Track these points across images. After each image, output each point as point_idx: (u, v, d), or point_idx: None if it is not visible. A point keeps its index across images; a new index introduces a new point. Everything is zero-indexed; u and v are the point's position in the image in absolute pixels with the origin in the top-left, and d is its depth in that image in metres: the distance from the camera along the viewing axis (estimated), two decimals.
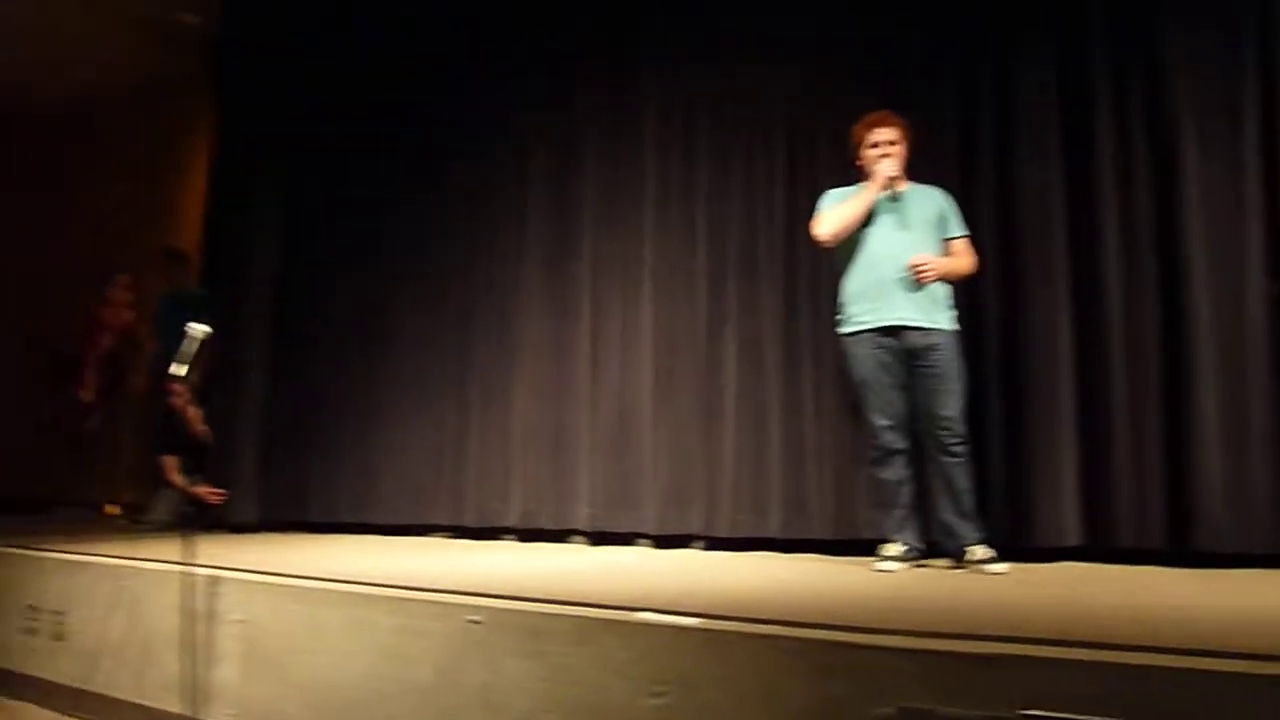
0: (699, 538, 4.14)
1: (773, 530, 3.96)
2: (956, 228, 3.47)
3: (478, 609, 2.47)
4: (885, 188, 3.39)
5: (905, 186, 3.45)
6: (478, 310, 5.01)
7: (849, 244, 3.45)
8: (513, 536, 4.69)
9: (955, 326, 3.38)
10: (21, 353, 7.91)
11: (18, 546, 4.00)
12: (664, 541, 4.22)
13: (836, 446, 3.92)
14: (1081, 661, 1.62)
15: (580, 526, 4.47)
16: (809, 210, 4.01)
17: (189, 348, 3.11)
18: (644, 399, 4.39)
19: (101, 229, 7.06)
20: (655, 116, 4.56)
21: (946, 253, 3.43)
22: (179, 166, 7.33)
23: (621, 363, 4.50)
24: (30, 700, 3.61)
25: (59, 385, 7.11)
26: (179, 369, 3.12)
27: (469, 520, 4.78)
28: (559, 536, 4.55)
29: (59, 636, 3.59)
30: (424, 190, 5.28)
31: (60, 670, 3.55)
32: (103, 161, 7.64)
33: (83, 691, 3.38)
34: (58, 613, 3.62)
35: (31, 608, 3.72)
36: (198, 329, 3.15)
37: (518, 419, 4.75)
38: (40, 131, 8.41)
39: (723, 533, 4.06)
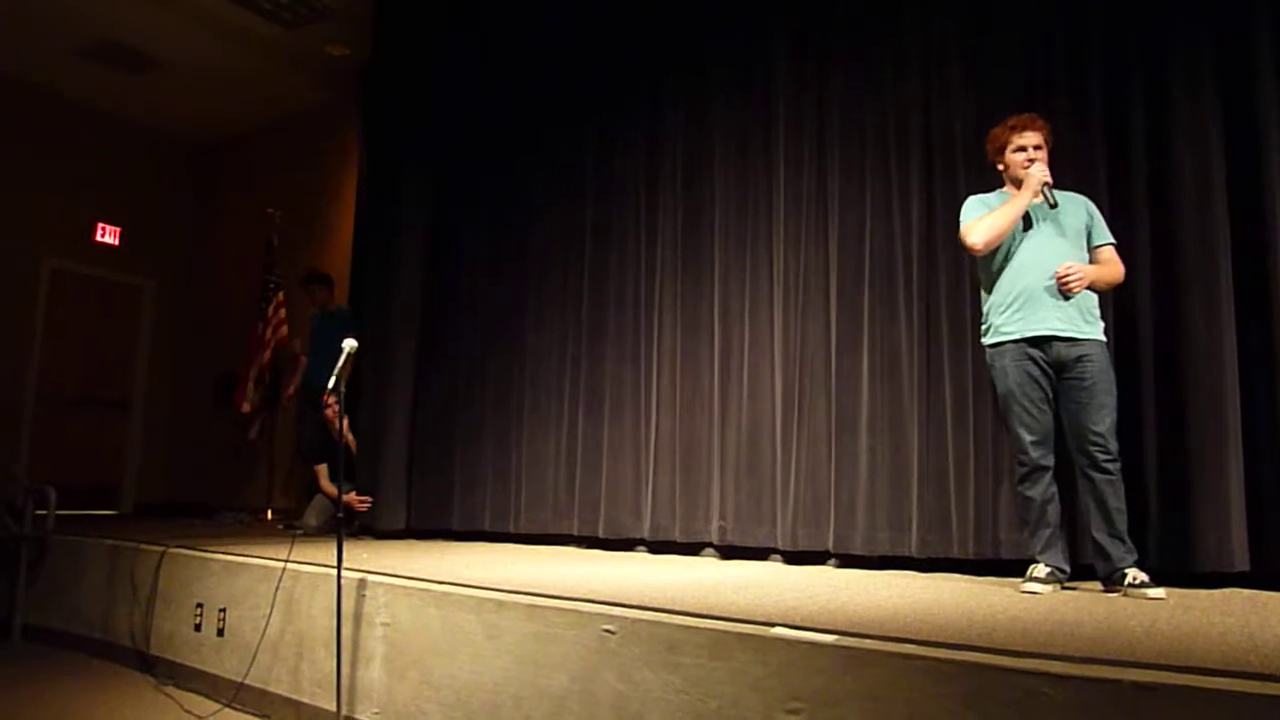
0: (832, 554, 4.06)
1: (910, 549, 3.85)
2: (1103, 235, 3.33)
3: (612, 619, 2.50)
4: (1039, 194, 3.27)
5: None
6: (610, 324, 5.08)
7: (994, 252, 3.34)
8: (644, 549, 4.72)
9: (1104, 337, 3.23)
10: (187, 370, 8.53)
11: (188, 548, 4.29)
12: (796, 558, 4.16)
13: (978, 463, 3.78)
14: (1251, 695, 1.51)
15: (711, 540, 4.46)
16: (946, 220, 3.94)
17: (341, 362, 3.27)
18: (776, 412, 4.35)
19: (259, 252, 7.52)
20: (786, 127, 4.52)
21: (1093, 261, 3.29)
22: (331, 191, 7.77)
23: (753, 376, 4.47)
24: (197, 691, 3.87)
25: (224, 400, 7.63)
26: (331, 382, 3.29)
27: (602, 532, 4.84)
28: (690, 550, 4.55)
29: (223, 632, 3.83)
30: (558, 209, 5.41)
31: (223, 664, 3.78)
32: (260, 187, 8.16)
33: (243, 685, 3.59)
34: (221, 610, 3.86)
35: (199, 605, 3.98)
36: (350, 343, 3.32)
37: (650, 432, 4.79)
38: (206, 158, 9.08)
39: (857, 550, 3.97)
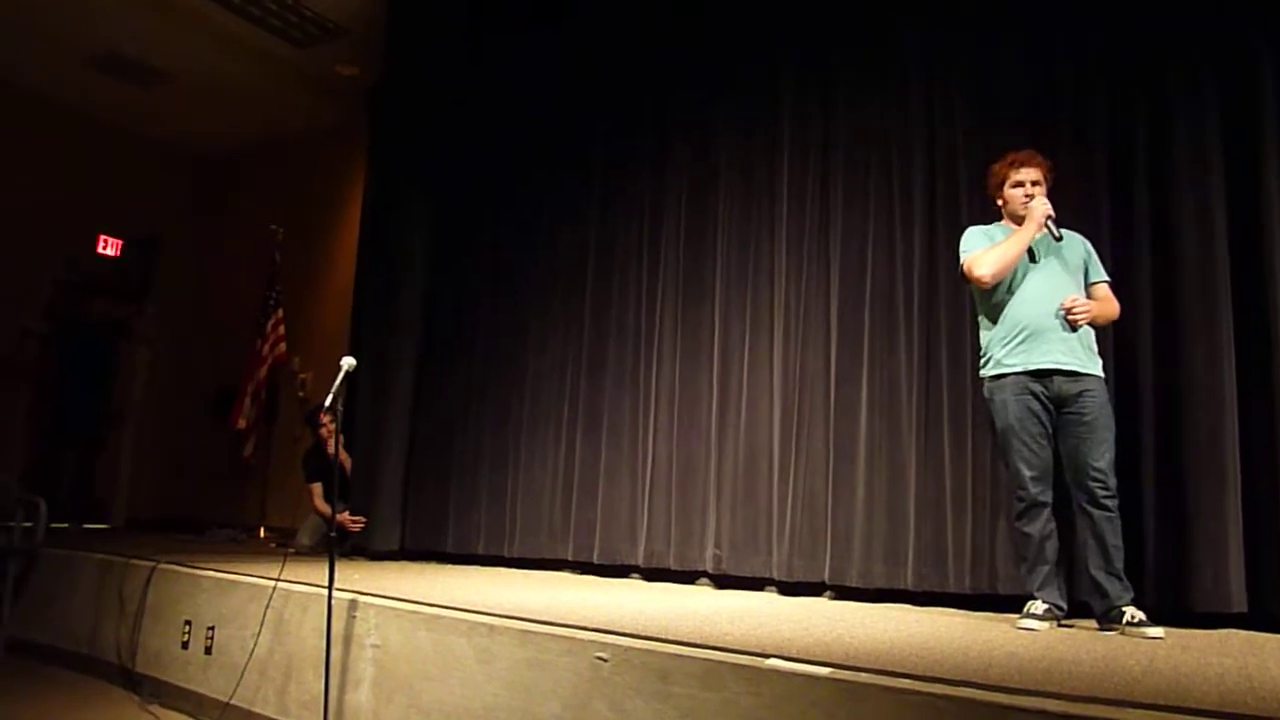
0: (828, 586, 4.04)
1: (906, 582, 3.82)
2: (1099, 272, 3.36)
3: (605, 646, 2.47)
4: (1043, 227, 3.27)
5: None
6: (610, 350, 5.08)
7: (996, 285, 3.34)
8: (638, 576, 4.69)
9: (1103, 373, 3.24)
10: (184, 385, 8.51)
11: (179, 564, 4.26)
12: (791, 588, 4.13)
13: (975, 496, 3.77)
14: None
15: (706, 569, 4.44)
16: (948, 253, 3.94)
17: (339, 381, 3.26)
18: (774, 442, 4.34)
19: (261, 268, 7.53)
20: (790, 158, 4.55)
21: (1090, 298, 3.30)
22: (335, 210, 7.79)
23: (751, 405, 4.46)
24: (182, 710, 3.82)
25: (220, 415, 7.61)
26: (328, 400, 3.27)
27: (597, 558, 4.81)
28: (685, 578, 4.52)
29: (210, 650, 3.79)
30: (560, 233, 5.42)
31: (209, 683, 3.74)
32: (264, 203, 8.19)
33: (229, 705, 3.54)
34: (210, 628, 3.82)
35: (187, 622, 3.94)
36: (347, 361, 3.31)
37: (647, 459, 4.77)
38: (210, 173, 9.11)
39: (853, 582, 3.94)
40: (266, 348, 7.33)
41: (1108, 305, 3.33)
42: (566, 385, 5.22)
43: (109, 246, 8.34)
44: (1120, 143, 3.67)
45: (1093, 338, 3.26)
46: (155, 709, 3.87)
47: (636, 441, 4.85)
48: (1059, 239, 3.27)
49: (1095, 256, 3.38)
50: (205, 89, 7.65)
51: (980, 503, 3.75)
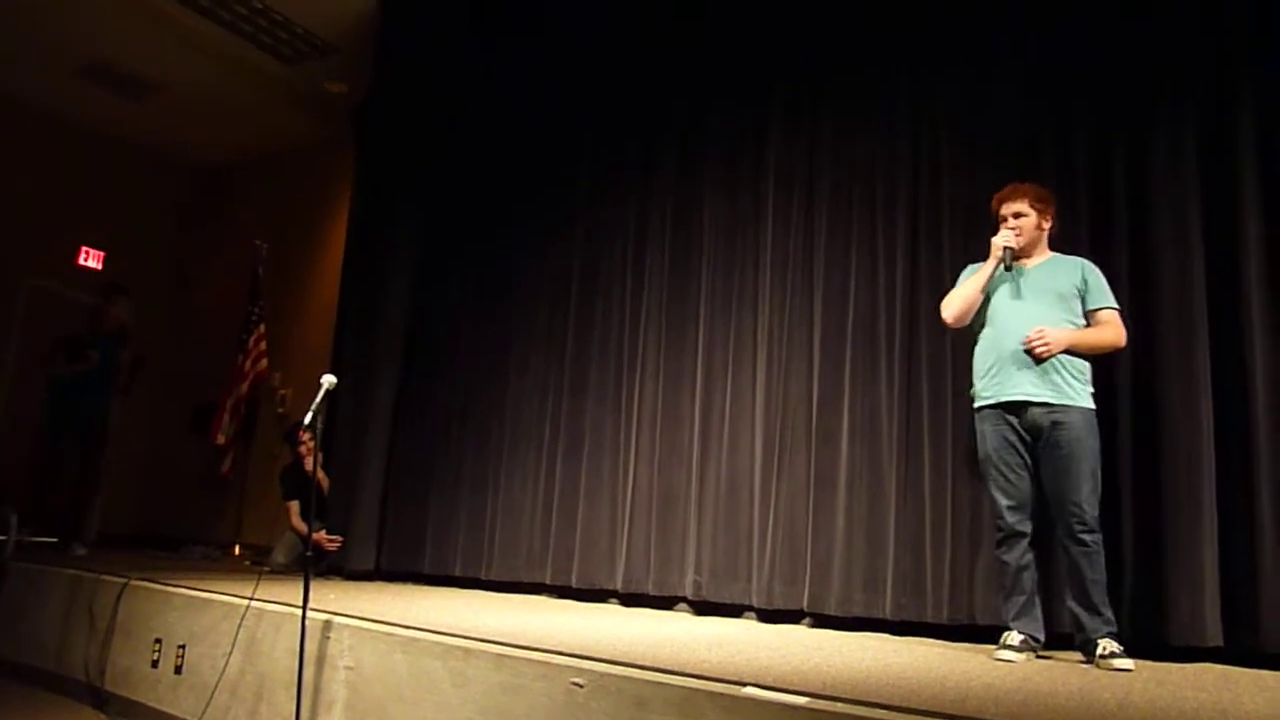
0: (806, 614, 4.03)
1: (885, 611, 3.82)
2: (1099, 299, 3.29)
3: (581, 671, 2.45)
4: (1001, 260, 3.31)
5: (1043, 257, 3.38)
6: (592, 373, 5.07)
7: (979, 318, 3.38)
8: (616, 601, 4.66)
9: (1089, 404, 3.21)
10: (163, 399, 8.42)
11: (150, 580, 4.20)
12: (769, 616, 4.12)
13: (954, 526, 3.78)
14: None
15: (685, 595, 4.41)
16: (930, 283, 3.99)
17: (319, 398, 3.24)
18: (755, 468, 4.34)
19: (243, 283, 7.49)
20: (776, 186, 4.58)
21: (1090, 325, 3.27)
22: (319, 227, 7.78)
23: (734, 431, 4.46)
24: None
25: (199, 431, 7.54)
26: (307, 417, 3.25)
27: (575, 582, 4.78)
28: (663, 604, 4.49)
29: (180, 670, 3.73)
30: (546, 255, 5.43)
31: (179, 703, 3.68)
32: (248, 218, 8.16)
33: None
34: (181, 646, 3.76)
35: (158, 640, 3.88)
36: (327, 379, 3.29)
37: (627, 484, 4.76)
38: (196, 187, 9.08)
39: (832, 610, 3.93)
40: (248, 363, 7.29)
41: (1101, 332, 3.26)
42: (548, 407, 5.21)
43: (90, 258, 8.28)
44: (1100, 176, 3.71)
45: (1081, 367, 3.23)
46: None
47: (617, 466, 4.84)
48: (1008, 269, 3.30)
49: (1097, 282, 3.31)
50: (194, 103, 7.65)
51: (960, 533, 3.76)
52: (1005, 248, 3.31)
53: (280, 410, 7.42)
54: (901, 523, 3.89)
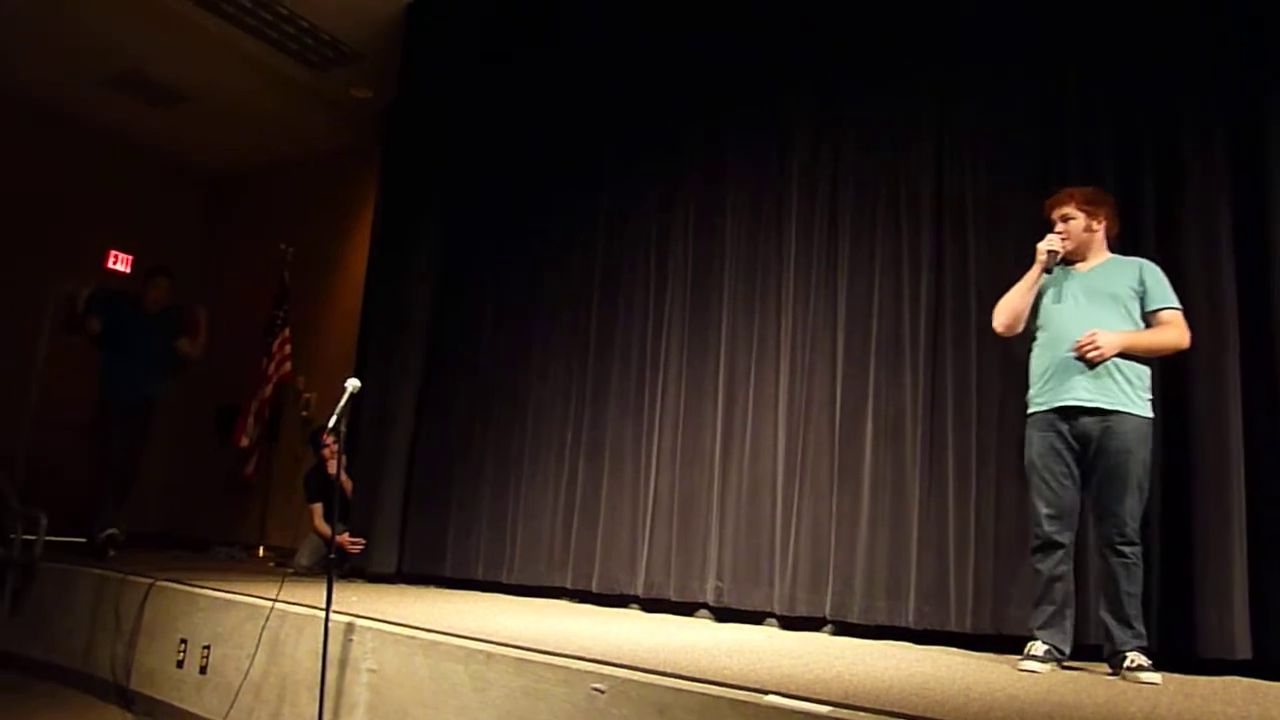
0: (829, 621, 4.00)
1: (908, 620, 3.79)
2: (1159, 299, 3.19)
3: (602, 677, 2.45)
4: (1045, 265, 3.28)
5: (1099, 259, 3.32)
6: (614, 378, 5.07)
7: (1034, 323, 3.34)
8: (637, 606, 4.66)
9: (1144, 411, 3.13)
10: (189, 402, 8.50)
11: (176, 581, 4.24)
12: (791, 622, 4.10)
13: (979, 535, 3.74)
14: None
15: (707, 601, 4.40)
16: (955, 287, 3.97)
17: (343, 402, 3.26)
18: (778, 474, 4.32)
19: (269, 287, 7.55)
20: (799, 190, 4.56)
21: (1150, 326, 3.20)
22: (345, 231, 7.83)
23: (756, 436, 4.45)
24: None
25: (224, 433, 7.61)
26: (331, 421, 3.27)
27: (596, 587, 4.78)
28: (684, 610, 4.48)
29: (205, 670, 3.76)
30: (568, 260, 5.44)
31: (203, 703, 3.71)
32: (275, 223, 8.23)
33: None
34: (206, 647, 3.80)
35: (183, 641, 3.92)
36: (351, 383, 3.31)
37: (649, 489, 4.75)
38: (223, 192, 9.18)
39: (854, 618, 3.91)
40: (272, 367, 7.35)
41: (1160, 334, 3.17)
42: (570, 411, 5.22)
43: (119, 262, 8.38)
44: (1128, 185, 3.67)
45: (1139, 373, 3.15)
46: None
47: (639, 470, 4.84)
48: (1049, 271, 3.28)
49: (1156, 282, 3.21)
50: (222, 109, 7.74)
51: (984, 542, 3.73)
52: (1049, 251, 3.27)
53: (304, 414, 7.48)
54: (925, 530, 3.86)
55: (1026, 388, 3.34)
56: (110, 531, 5.61)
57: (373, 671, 3.07)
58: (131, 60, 7.09)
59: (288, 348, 7.43)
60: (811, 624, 4.06)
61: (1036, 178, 3.79)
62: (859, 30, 4.52)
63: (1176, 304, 3.20)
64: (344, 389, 3.30)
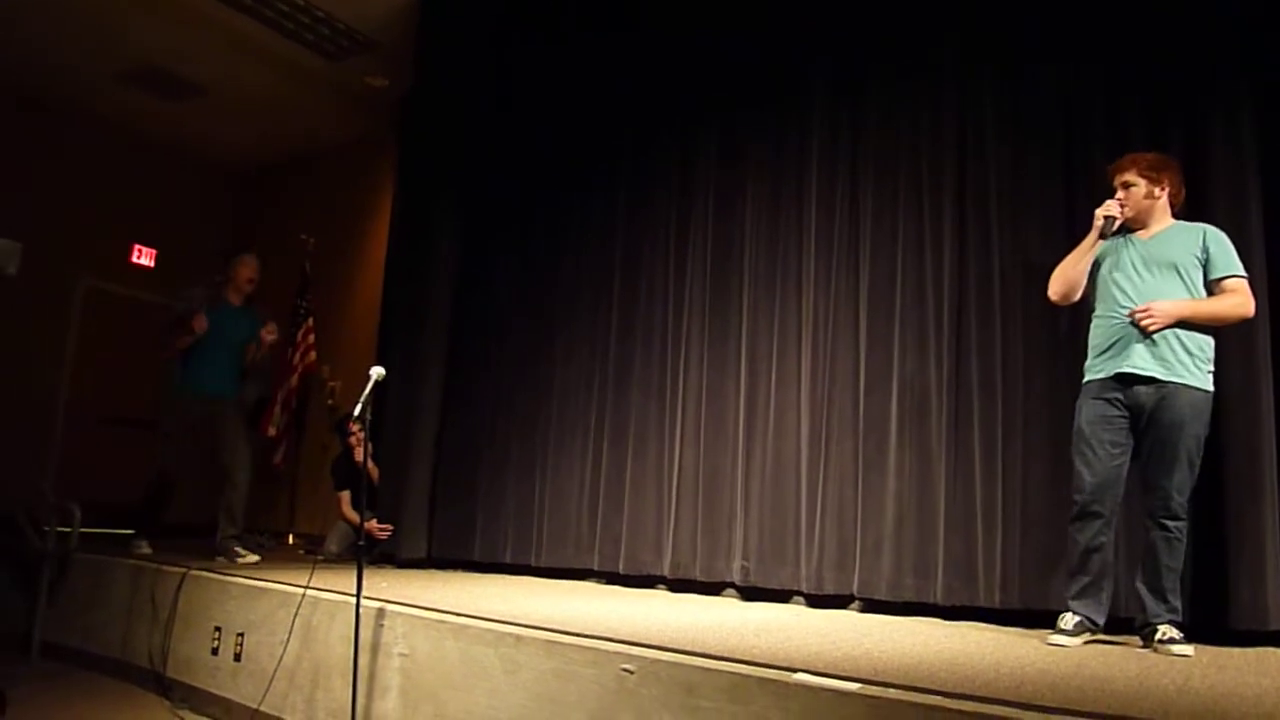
0: (856, 598, 4.01)
1: (936, 596, 3.79)
2: (1223, 267, 3.10)
3: (631, 658, 2.47)
4: (1102, 231, 3.21)
5: (1161, 226, 3.23)
6: (636, 360, 5.08)
7: (1094, 292, 3.28)
8: (664, 587, 4.68)
9: (1202, 384, 3.07)
10: None
11: (209, 570, 4.30)
12: (818, 601, 4.11)
13: (1006, 510, 3.73)
14: None
15: (733, 580, 4.42)
16: (978, 264, 3.93)
17: (368, 389, 3.29)
18: (802, 453, 4.31)
19: (292, 277, 7.59)
20: (819, 169, 4.53)
21: (1213, 294, 3.12)
22: (365, 220, 7.86)
23: (779, 415, 4.44)
24: (212, 716, 3.85)
25: (251, 424, 7.67)
26: (357, 409, 3.29)
27: (623, 568, 4.80)
28: (711, 589, 4.50)
29: (239, 657, 3.82)
30: (589, 244, 5.43)
31: (239, 689, 3.77)
32: (296, 214, 8.27)
33: (258, 712, 3.57)
34: (240, 634, 3.85)
35: (218, 628, 3.98)
36: (376, 371, 3.33)
37: (673, 470, 4.76)
38: (243, 184, 9.22)
39: (882, 595, 3.91)
40: (297, 356, 7.40)
41: (1221, 302, 3.08)
42: (593, 395, 5.23)
43: (143, 256, 8.46)
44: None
45: (1201, 343, 3.07)
46: (186, 714, 3.91)
47: (663, 452, 4.85)
48: (1104, 237, 3.20)
49: (1220, 249, 3.11)
50: (238, 101, 7.77)
51: (1011, 517, 3.71)
52: (1106, 217, 3.19)
53: (330, 402, 7.54)
54: (951, 507, 3.85)
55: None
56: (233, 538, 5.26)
57: (404, 656, 3.10)
58: (148, 57, 7.12)
59: (311, 337, 7.48)
60: (838, 602, 4.06)
61: (1060, 158, 3.74)
62: (879, 11, 4.46)
63: (1241, 271, 3.11)
64: (368, 376, 3.32)
